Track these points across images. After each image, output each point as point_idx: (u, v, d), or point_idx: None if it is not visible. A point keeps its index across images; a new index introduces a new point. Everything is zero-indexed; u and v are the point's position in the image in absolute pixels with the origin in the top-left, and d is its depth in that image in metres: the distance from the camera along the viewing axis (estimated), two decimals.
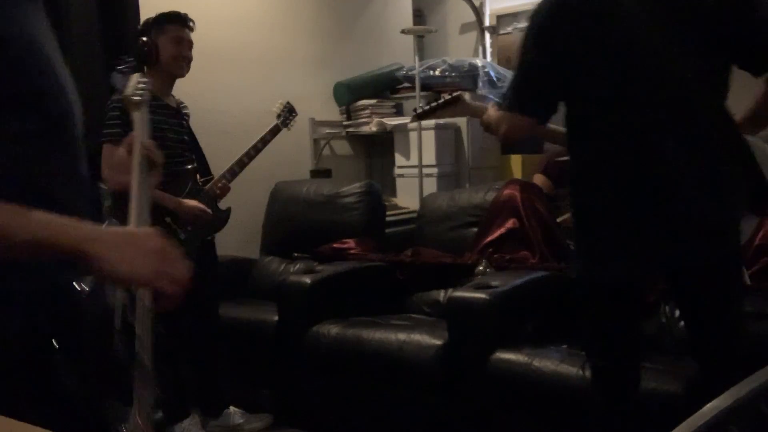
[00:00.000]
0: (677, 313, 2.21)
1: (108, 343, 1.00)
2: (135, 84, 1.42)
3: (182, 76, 2.67)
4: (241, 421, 2.79)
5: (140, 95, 1.40)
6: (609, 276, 1.60)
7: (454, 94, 2.01)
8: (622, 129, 1.56)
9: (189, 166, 2.68)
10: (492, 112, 1.80)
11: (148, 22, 2.66)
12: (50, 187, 0.91)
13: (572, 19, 1.56)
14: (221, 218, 2.79)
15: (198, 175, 2.73)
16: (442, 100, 2.01)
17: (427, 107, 2.10)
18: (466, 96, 2.04)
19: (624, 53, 1.54)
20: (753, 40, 1.57)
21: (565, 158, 3.49)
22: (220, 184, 2.74)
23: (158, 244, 0.87)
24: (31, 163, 0.88)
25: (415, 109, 2.14)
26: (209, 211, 2.64)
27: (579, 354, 2.17)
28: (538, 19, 1.61)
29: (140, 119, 1.36)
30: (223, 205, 2.79)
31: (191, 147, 2.75)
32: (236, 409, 2.81)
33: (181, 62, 2.63)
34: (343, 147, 4.34)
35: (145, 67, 2.60)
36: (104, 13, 3.02)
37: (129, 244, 0.85)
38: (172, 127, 2.64)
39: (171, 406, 2.63)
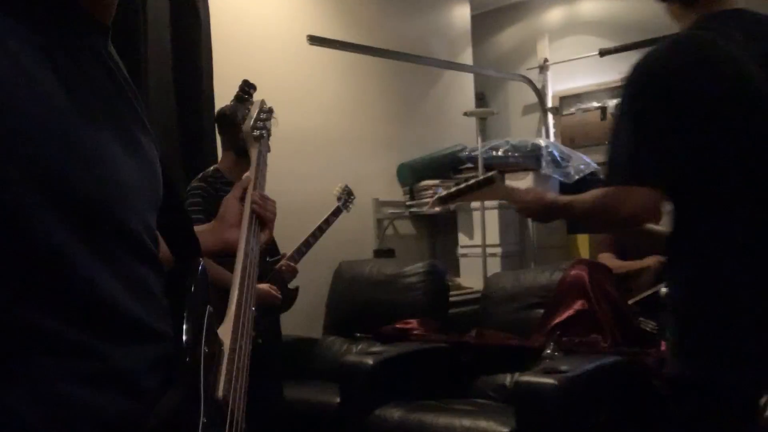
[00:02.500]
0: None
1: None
2: (257, 114, 1.24)
3: None
4: None
5: (260, 129, 1.22)
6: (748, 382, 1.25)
7: (489, 174, 1.66)
8: None
9: None
10: (533, 194, 1.53)
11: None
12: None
13: (713, 74, 1.27)
14: (290, 298, 2.82)
15: (267, 257, 2.77)
16: (472, 181, 1.66)
17: (453, 189, 1.71)
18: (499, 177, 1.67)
19: None
20: None
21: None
22: (289, 265, 2.77)
23: None
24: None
25: (434, 194, 1.75)
26: (279, 297, 2.66)
27: None
28: (662, 73, 1.29)
29: (257, 157, 1.16)
30: (291, 285, 2.82)
31: None
32: None
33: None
34: (406, 227, 4.36)
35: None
36: (179, 64, 3.12)
37: None
38: None
39: None
